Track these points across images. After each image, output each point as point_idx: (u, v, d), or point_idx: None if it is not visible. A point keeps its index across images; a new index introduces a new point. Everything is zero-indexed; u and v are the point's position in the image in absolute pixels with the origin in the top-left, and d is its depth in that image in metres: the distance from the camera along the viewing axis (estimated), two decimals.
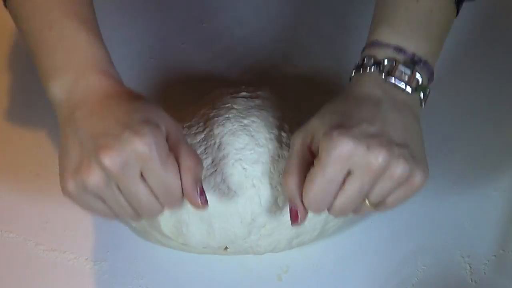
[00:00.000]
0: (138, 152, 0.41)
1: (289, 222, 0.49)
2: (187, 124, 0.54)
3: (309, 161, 0.44)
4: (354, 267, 0.55)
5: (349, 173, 0.42)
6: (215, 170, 0.50)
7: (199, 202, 0.44)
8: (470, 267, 0.55)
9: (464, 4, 0.51)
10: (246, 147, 0.51)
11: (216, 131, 0.52)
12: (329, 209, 0.44)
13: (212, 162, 0.50)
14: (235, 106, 0.54)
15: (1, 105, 0.66)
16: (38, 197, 0.59)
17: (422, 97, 0.47)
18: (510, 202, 0.59)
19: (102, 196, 0.43)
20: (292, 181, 0.45)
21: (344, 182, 0.43)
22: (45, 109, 0.65)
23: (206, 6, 0.76)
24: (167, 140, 0.43)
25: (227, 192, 0.50)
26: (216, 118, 0.52)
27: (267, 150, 0.51)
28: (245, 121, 0.52)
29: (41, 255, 0.55)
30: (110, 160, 0.40)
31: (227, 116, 0.53)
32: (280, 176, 0.50)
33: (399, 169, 0.42)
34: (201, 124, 0.53)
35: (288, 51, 0.71)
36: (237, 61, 0.70)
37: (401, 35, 0.47)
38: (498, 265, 0.55)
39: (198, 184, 0.44)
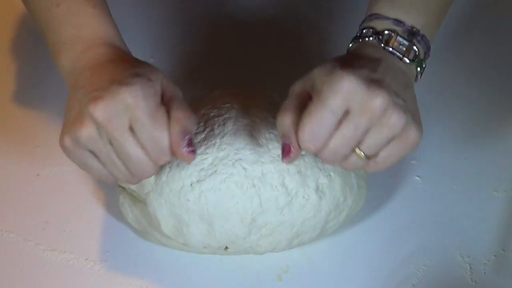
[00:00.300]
0: (125, 102, 0.41)
1: (290, 221, 0.49)
2: None
3: (306, 104, 0.43)
4: (354, 267, 0.55)
5: (346, 114, 0.42)
6: (215, 171, 0.50)
7: (184, 153, 0.44)
8: (470, 267, 0.55)
9: None
10: (246, 147, 0.51)
11: (216, 131, 0.52)
12: (321, 152, 0.43)
13: (212, 162, 0.50)
14: (235, 106, 0.54)
15: (1, 105, 0.66)
16: (38, 197, 0.59)
17: (418, 70, 0.49)
18: (510, 202, 0.59)
19: (94, 150, 0.44)
20: (288, 117, 0.44)
21: (340, 123, 0.42)
22: (45, 109, 0.66)
23: (206, 6, 0.76)
24: (162, 97, 0.44)
25: (227, 192, 0.50)
26: (216, 118, 0.52)
27: (267, 150, 0.51)
28: (245, 121, 0.52)
29: (41, 255, 0.55)
30: (99, 111, 0.41)
31: (228, 116, 0.53)
32: (281, 176, 0.50)
33: (395, 116, 0.42)
34: (202, 124, 0.53)
35: (289, 52, 0.71)
36: (237, 61, 0.70)
37: (401, 9, 0.48)
38: (498, 265, 0.55)
39: (187, 136, 0.44)
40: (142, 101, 0.42)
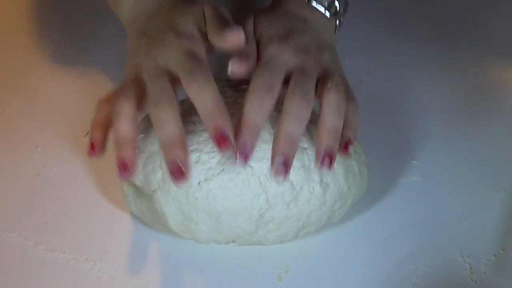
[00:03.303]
0: (174, 51, 0.49)
1: (296, 215, 0.51)
2: (193, 119, 0.54)
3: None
4: (354, 267, 0.55)
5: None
6: (223, 170, 0.50)
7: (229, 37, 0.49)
8: (470, 267, 0.55)
9: None
10: None
11: None
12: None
13: (220, 161, 0.50)
14: (238, 101, 0.54)
15: (1, 105, 0.66)
16: (38, 197, 0.59)
17: (337, 24, 0.56)
18: (510, 202, 0.59)
19: (148, 82, 0.48)
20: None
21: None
22: (45, 109, 0.66)
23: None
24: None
25: (235, 190, 0.50)
26: None
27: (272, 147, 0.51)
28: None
29: (41, 255, 0.55)
30: (156, 56, 0.48)
31: (232, 111, 0.53)
32: None
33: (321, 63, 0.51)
34: None
35: None
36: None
37: None
38: (499, 265, 0.55)
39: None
40: (187, 51, 0.48)
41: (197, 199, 0.50)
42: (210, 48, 0.51)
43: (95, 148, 0.49)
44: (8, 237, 0.56)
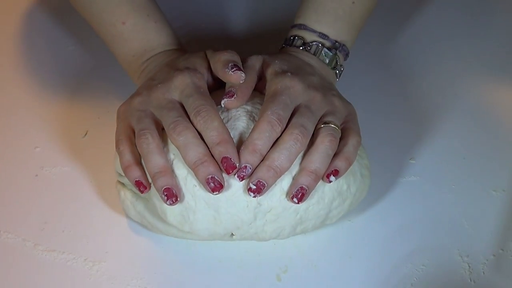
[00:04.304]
0: (176, 83, 0.52)
1: (294, 207, 0.51)
2: None
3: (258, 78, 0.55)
4: (353, 267, 0.55)
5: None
6: None
7: (231, 74, 0.52)
8: (469, 267, 0.55)
9: None
10: (249, 132, 0.51)
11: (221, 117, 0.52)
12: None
13: None
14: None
15: (1, 105, 0.66)
16: (37, 198, 0.59)
17: (337, 72, 0.60)
18: (510, 202, 0.59)
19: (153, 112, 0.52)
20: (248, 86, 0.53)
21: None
22: (44, 110, 0.66)
23: (206, 7, 0.76)
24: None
25: (233, 176, 0.50)
26: (219, 106, 0.53)
27: None
28: (248, 107, 0.53)
29: (40, 256, 0.55)
30: (160, 93, 0.53)
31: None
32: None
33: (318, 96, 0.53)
34: None
35: None
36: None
37: (326, 24, 0.59)
38: (497, 264, 0.55)
39: (230, 64, 0.52)
40: (191, 81, 0.52)
41: (196, 186, 0.50)
42: (212, 79, 0.56)
43: (143, 184, 0.51)
44: (7, 238, 0.56)
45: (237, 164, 0.49)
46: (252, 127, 0.51)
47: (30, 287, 0.53)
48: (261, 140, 0.49)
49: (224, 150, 0.49)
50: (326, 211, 0.53)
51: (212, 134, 0.49)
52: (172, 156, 0.51)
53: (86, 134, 0.63)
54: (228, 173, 0.49)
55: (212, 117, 0.50)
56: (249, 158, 0.49)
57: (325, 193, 0.52)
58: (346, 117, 0.54)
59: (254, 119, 0.53)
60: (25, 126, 0.64)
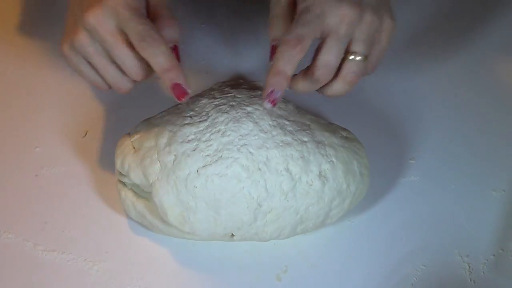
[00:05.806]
0: (111, 6, 0.47)
1: (295, 207, 0.51)
2: (191, 113, 0.54)
3: (292, 15, 0.49)
4: (353, 267, 0.55)
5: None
6: (221, 156, 0.51)
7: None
8: (469, 267, 0.55)
9: None
10: (250, 133, 0.52)
11: (220, 118, 0.53)
12: (315, 59, 0.47)
13: (217, 148, 0.51)
14: (238, 95, 0.55)
15: (1, 105, 0.66)
16: (37, 198, 0.59)
17: None
18: (509, 202, 0.59)
19: (88, 55, 0.49)
20: (279, 23, 0.49)
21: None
22: (44, 110, 0.66)
23: (205, 8, 0.76)
24: (148, 7, 0.49)
25: (233, 176, 0.51)
26: (220, 107, 0.53)
27: (271, 136, 0.52)
28: (249, 109, 0.53)
29: (40, 256, 0.55)
30: (89, 17, 0.47)
31: (231, 103, 0.54)
32: (285, 161, 0.51)
33: (368, 15, 0.48)
34: (205, 112, 0.54)
35: None
36: (235, 57, 0.70)
37: None
38: (497, 264, 0.55)
39: (170, 44, 0.49)
40: (125, 4, 0.47)
41: (196, 187, 0.50)
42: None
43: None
44: (7, 238, 0.56)
45: (189, 90, 0.48)
46: (252, 129, 0.51)
47: (30, 287, 0.53)
48: (281, 62, 0.46)
49: (175, 77, 0.47)
50: (326, 210, 0.53)
51: (160, 60, 0.47)
52: (173, 157, 0.51)
53: (86, 134, 0.63)
54: (180, 100, 0.48)
55: (159, 43, 0.47)
56: (273, 80, 0.47)
57: (325, 192, 0.52)
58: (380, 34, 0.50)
59: (255, 121, 0.53)
60: (25, 126, 0.64)
